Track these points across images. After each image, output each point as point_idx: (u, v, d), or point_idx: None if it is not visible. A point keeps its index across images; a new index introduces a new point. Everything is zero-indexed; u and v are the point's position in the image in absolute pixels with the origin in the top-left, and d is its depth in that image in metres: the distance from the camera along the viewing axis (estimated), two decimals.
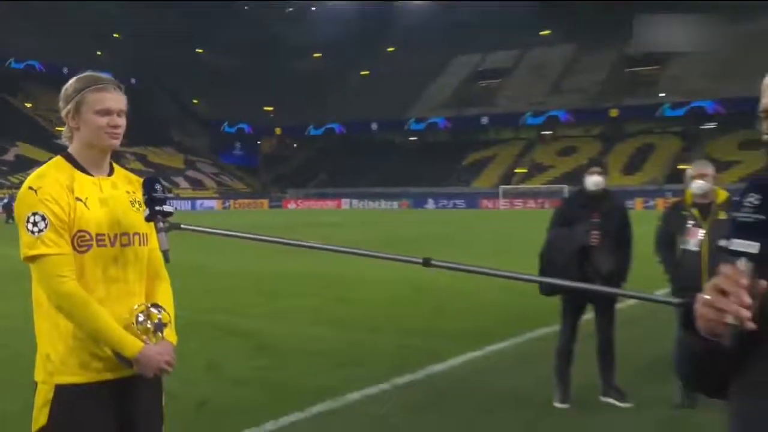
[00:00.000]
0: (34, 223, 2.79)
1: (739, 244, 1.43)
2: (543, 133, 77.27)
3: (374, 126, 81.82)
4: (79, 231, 2.86)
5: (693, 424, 5.72)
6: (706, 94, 67.23)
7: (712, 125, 68.25)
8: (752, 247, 1.42)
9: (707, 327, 1.47)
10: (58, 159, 2.99)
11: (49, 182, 2.87)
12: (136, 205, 3.02)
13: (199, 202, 68.27)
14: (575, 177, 6.53)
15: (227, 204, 71.16)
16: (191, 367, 7.36)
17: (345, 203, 72.88)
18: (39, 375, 2.91)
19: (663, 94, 71.19)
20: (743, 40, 66.21)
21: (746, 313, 1.40)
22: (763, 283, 1.43)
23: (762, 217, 1.42)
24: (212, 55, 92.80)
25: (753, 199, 1.44)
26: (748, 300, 1.40)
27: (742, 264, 1.43)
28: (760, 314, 1.44)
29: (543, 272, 6.39)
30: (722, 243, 1.46)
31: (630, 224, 6.61)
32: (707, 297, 1.46)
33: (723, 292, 1.43)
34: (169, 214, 2.90)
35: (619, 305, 6.84)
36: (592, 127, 75.03)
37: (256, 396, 6.65)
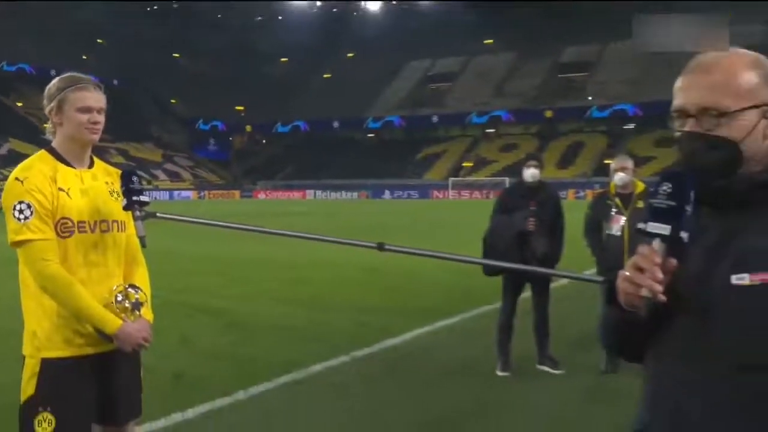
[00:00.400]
0: (21, 211, 2.77)
1: (653, 227, 1.46)
2: (487, 131, 77.62)
3: (336, 124, 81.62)
4: (62, 218, 2.84)
5: (615, 387, 5.81)
6: (627, 98, 68.16)
7: (632, 125, 69.10)
8: (665, 229, 1.45)
9: (626, 300, 1.51)
10: (43, 152, 2.96)
11: (34, 174, 2.84)
12: (115, 195, 3.00)
13: (176, 192, 67.61)
14: (515, 170, 6.61)
15: (202, 194, 70.51)
16: (167, 343, 7.28)
17: (309, 194, 72.58)
18: (26, 350, 2.89)
19: (590, 98, 71.94)
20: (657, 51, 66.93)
21: (659, 288, 1.44)
22: (673, 261, 1.47)
23: (673, 203, 1.45)
24: (188, 59, 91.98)
25: (666, 187, 1.47)
26: (660, 276, 1.44)
27: (656, 244, 1.46)
28: (671, 289, 1.48)
29: (486, 255, 6.42)
30: (640, 226, 1.49)
31: (563, 212, 6.67)
32: (627, 273, 1.50)
33: (640, 269, 1.47)
34: (146, 203, 2.94)
35: (553, 284, 6.91)
36: (530, 126, 75.59)
37: (227, 368, 6.60)
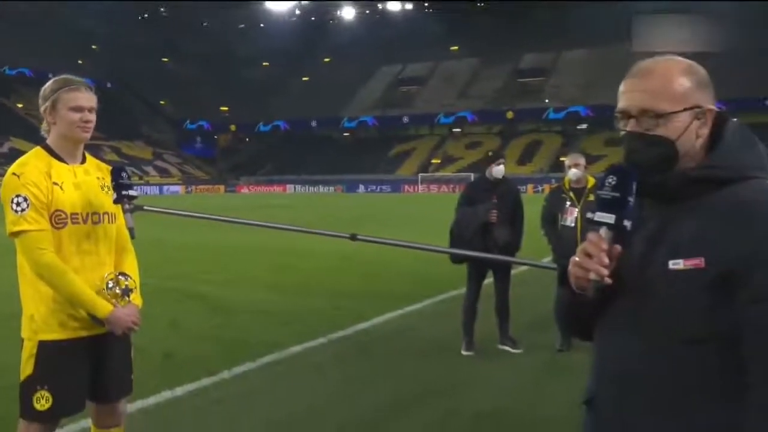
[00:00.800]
0: (18, 204, 2.77)
1: (600, 216, 1.52)
2: (454, 130, 77.69)
3: (314, 123, 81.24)
4: (56, 210, 2.83)
5: (569, 363, 5.87)
6: (580, 101, 68.54)
7: (585, 126, 69.50)
8: (610, 218, 1.51)
9: (577, 283, 1.58)
10: (38, 149, 2.95)
11: (30, 169, 2.83)
12: (105, 189, 3.01)
13: (165, 187, 66.99)
14: (480, 166, 6.58)
15: (190, 189, 69.92)
16: (157, 326, 7.24)
17: (290, 188, 72.22)
18: (25, 332, 2.90)
19: (547, 101, 72.26)
20: (605, 59, 67.45)
21: (605, 272, 1.51)
22: (617, 247, 1.53)
23: (617, 194, 1.51)
24: (176, 63, 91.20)
25: (611, 180, 1.53)
26: (606, 261, 1.51)
27: (603, 232, 1.52)
28: (617, 272, 1.54)
29: (452, 244, 6.44)
30: (588, 215, 1.54)
31: (522, 204, 6.70)
32: (577, 259, 1.56)
33: (588, 255, 1.53)
34: (134, 197, 2.98)
35: (513, 271, 6.95)
36: (493, 125, 75.75)
37: (212, 349, 6.57)
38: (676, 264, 1.52)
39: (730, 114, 1.67)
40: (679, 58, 1.62)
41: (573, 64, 75.50)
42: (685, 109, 1.56)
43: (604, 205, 1.52)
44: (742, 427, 1.43)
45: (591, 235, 1.54)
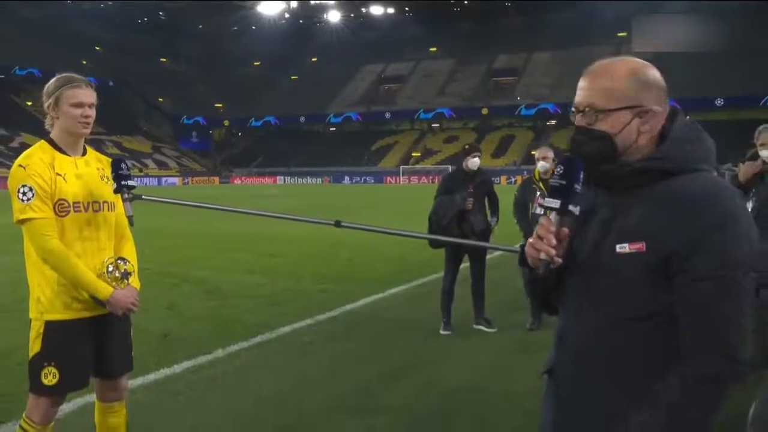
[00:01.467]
0: (24, 193, 2.76)
1: (549, 202, 1.58)
2: (433, 125, 77.68)
3: (302, 119, 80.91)
4: (60, 199, 2.83)
5: (539, 340, 5.89)
6: (549, 98, 68.69)
7: (554, 122, 69.68)
8: (556, 203, 1.57)
9: (532, 262, 1.64)
10: (42, 143, 2.94)
11: (35, 161, 2.83)
12: (105, 179, 3.01)
13: (164, 179, 66.51)
14: (457, 159, 6.62)
15: (187, 181, 69.48)
16: (156, 308, 7.22)
17: (279, 179, 71.96)
18: (32, 313, 2.90)
19: (519, 98, 72.36)
20: (571, 60, 67.70)
21: (552, 252, 1.57)
22: (565, 230, 1.60)
23: (563, 182, 1.57)
24: (174, 63, 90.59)
25: (559, 169, 1.59)
26: (554, 242, 1.57)
27: (553, 216, 1.58)
28: (570, 254, 1.64)
29: (431, 231, 6.44)
30: (540, 201, 1.61)
31: (495, 194, 6.72)
32: (531, 240, 1.62)
33: (540, 237, 1.59)
34: (133, 187, 3.00)
35: (488, 256, 6.97)
36: (469, 121, 75.80)
37: (207, 329, 6.55)
38: (623, 248, 1.56)
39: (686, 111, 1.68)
40: (632, 60, 1.63)
41: (542, 64, 75.65)
42: (625, 108, 1.58)
43: (552, 192, 1.58)
44: (663, 389, 1.48)
45: (542, 219, 1.60)
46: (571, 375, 1.67)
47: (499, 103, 72.62)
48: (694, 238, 1.48)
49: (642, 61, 1.63)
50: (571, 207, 1.55)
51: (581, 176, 1.56)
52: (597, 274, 1.61)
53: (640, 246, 1.53)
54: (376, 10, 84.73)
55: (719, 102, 58.26)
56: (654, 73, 1.62)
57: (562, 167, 1.57)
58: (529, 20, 76.92)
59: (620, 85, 1.58)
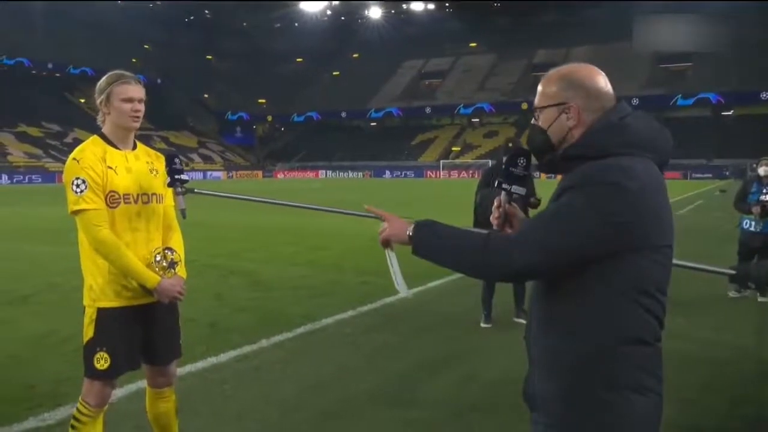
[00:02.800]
0: (77, 186, 2.82)
1: (497, 182, 1.98)
2: (473, 120, 77.29)
3: (343, 114, 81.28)
4: (111, 192, 2.88)
5: None
6: None
7: None
8: (502, 185, 1.97)
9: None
10: (95, 137, 3.00)
11: (88, 155, 2.89)
12: (154, 172, 3.06)
13: (209, 173, 67.50)
14: (496, 153, 6.52)
15: (231, 175, 70.37)
16: (204, 299, 7.33)
17: (321, 174, 72.44)
18: (86, 301, 2.97)
19: None
20: (610, 54, 66.51)
21: (498, 223, 2.00)
22: (510, 209, 2.00)
23: (505, 168, 1.96)
24: (219, 60, 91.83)
25: (513, 159, 1.97)
26: (496, 214, 2.00)
27: (502, 195, 1.98)
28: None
29: (477, 222, 6.43)
30: (497, 182, 1.98)
31: (534, 188, 6.62)
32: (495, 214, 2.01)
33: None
34: (186, 181, 3.03)
35: None
36: (509, 116, 75.12)
37: (252, 320, 6.63)
38: None
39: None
40: (572, 66, 1.82)
41: (581, 59, 73.56)
42: (551, 105, 1.80)
43: (505, 176, 1.96)
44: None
45: (495, 200, 1.99)
46: (528, 332, 1.94)
47: None
48: (567, 186, 1.69)
49: (584, 65, 1.81)
50: (506, 186, 1.95)
51: (521, 163, 1.94)
52: None
53: None
54: (417, 6, 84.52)
55: (764, 96, 56.72)
56: (585, 75, 1.79)
57: (518, 157, 1.95)
58: (568, 15, 75.90)
59: (550, 88, 1.81)
